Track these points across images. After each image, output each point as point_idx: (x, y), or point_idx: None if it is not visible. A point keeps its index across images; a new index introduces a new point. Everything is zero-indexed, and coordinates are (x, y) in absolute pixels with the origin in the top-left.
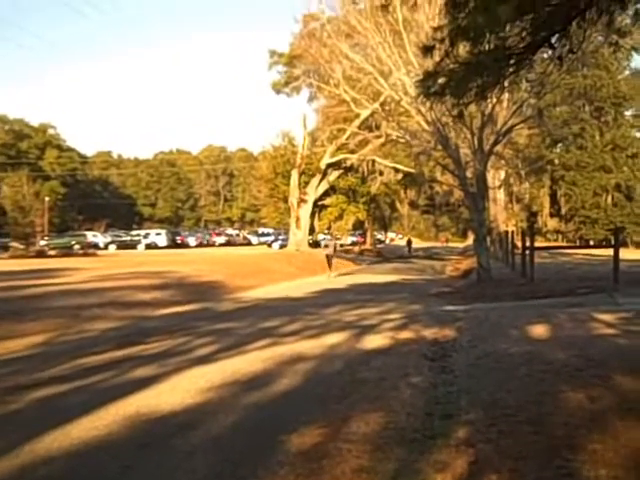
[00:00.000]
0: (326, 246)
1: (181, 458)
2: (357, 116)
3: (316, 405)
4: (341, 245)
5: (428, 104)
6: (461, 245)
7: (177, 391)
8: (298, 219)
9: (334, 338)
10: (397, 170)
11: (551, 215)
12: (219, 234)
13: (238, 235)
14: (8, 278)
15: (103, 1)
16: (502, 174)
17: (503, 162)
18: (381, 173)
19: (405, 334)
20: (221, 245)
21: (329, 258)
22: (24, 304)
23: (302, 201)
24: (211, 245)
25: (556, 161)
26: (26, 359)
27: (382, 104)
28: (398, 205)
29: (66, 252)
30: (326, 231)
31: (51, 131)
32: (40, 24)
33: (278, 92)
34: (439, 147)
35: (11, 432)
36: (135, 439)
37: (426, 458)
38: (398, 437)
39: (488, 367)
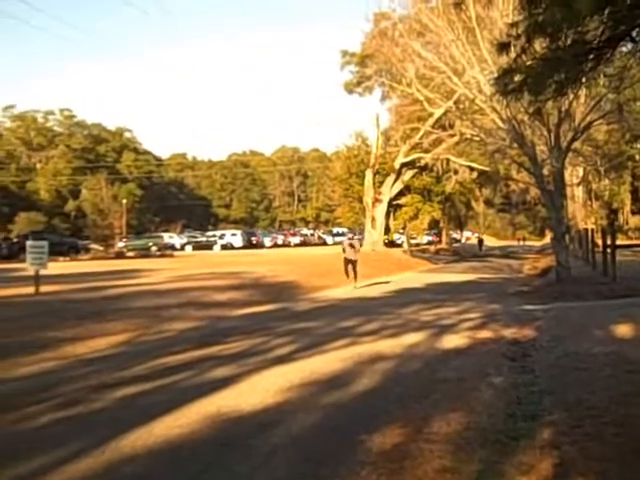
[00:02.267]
0: (351, 246)
1: (262, 457)
2: (430, 115)
3: (396, 404)
4: (417, 244)
5: (504, 102)
6: (538, 243)
7: (257, 391)
8: (373, 219)
9: (412, 338)
10: (472, 169)
11: (632, 212)
12: (294, 234)
13: (313, 235)
14: (89, 279)
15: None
16: (580, 171)
17: (581, 159)
18: (456, 172)
19: (484, 334)
20: (296, 245)
21: (351, 264)
22: (105, 304)
23: (377, 201)
24: (286, 245)
25: (637, 157)
26: (108, 358)
27: (456, 102)
28: (473, 204)
29: (144, 253)
30: (401, 230)
31: (127, 135)
32: (110, 26)
33: (350, 92)
34: (514, 145)
35: (96, 429)
36: (216, 438)
37: (510, 460)
38: (480, 438)
39: (570, 367)
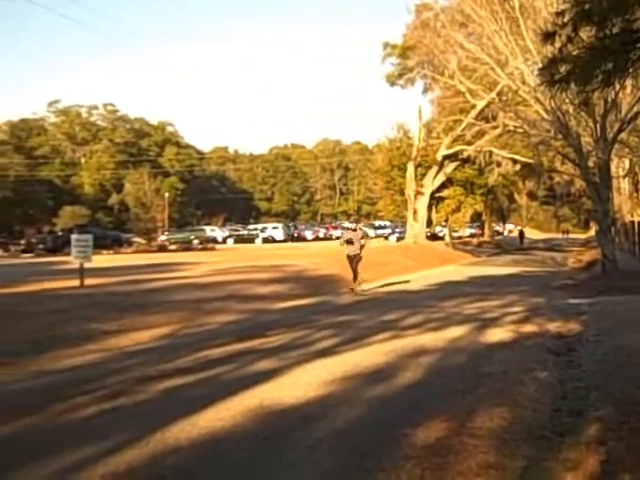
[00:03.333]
0: (349, 242)
1: (306, 450)
2: (473, 107)
3: (439, 398)
4: (459, 237)
5: (548, 92)
6: (582, 236)
7: (299, 384)
8: (415, 211)
9: (455, 331)
10: (515, 161)
11: None
12: (336, 227)
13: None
14: (132, 272)
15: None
16: (627, 163)
17: (628, 150)
18: (498, 164)
19: (528, 327)
20: (338, 238)
21: (353, 261)
22: (147, 297)
23: (419, 193)
24: (328, 238)
25: None
26: (151, 350)
27: (499, 94)
28: (516, 196)
29: (186, 246)
30: (443, 223)
31: (170, 129)
32: (148, 19)
33: (392, 84)
34: (559, 136)
35: (141, 421)
36: (260, 430)
37: (555, 456)
38: (525, 433)
39: (618, 362)
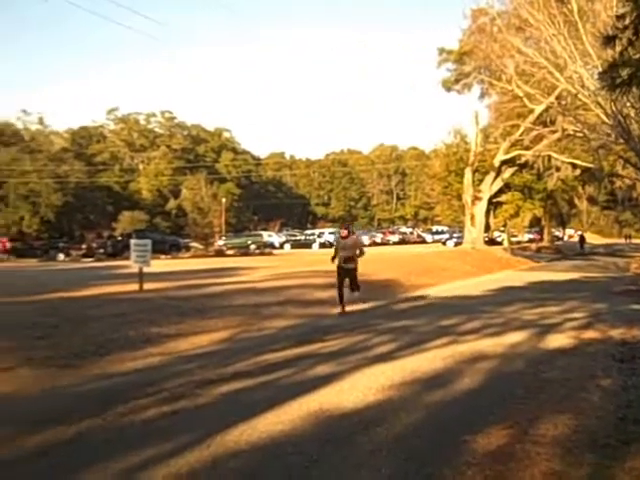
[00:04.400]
0: (344, 249)
1: (365, 455)
2: (531, 111)
3: (500, 405)
4: (517, 242)
5: (609, 96)
6: None
7: (358, 388)
8: (473, 217)
9: (515, 337)
10: (575, 165)
11: None
12: (393, 232)
13: (412, 233)
14: (190, 277)
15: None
16: None
17: None
18: (558, 169)
19: (590, 334)
20: (395, 243)
21: (347, 276)
22: (206, 302)
23: (476, 199)
24: (385, 243)
25: None
26: (210, 355)
27: (557, 98)
28: (576, 201)
29: (243, 251)
30: (501, 228)
31: (226, 135)
32: (203, 25)
33: (448, 90)
34: (620, 140)
35: (201, 424)
36: (319, 434)
37: (620, 465)
38: (589, 441)
39: None
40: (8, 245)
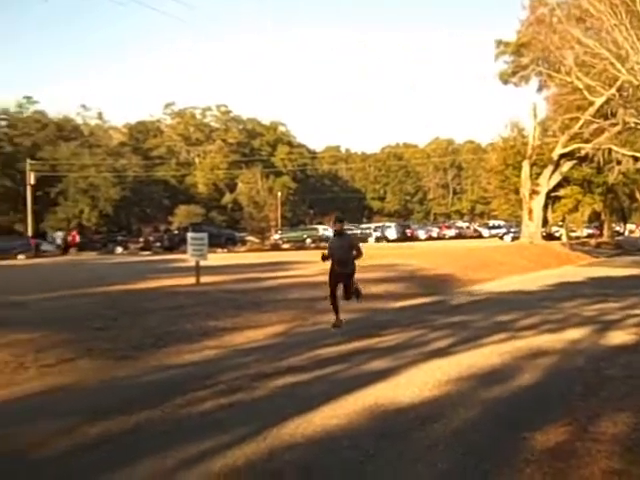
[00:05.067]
0: (330, 255)
1: (422, 450)
2: (591, 104)
3: (559, 402)
4: (576, 237)
5: None
6: None
7: (414, 384)
8: (530, 211)
9: (574, 333)
10: (636, 158)
11: None
12: (449, 227)
13: (468, 228)
14: (246, 270)
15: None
16: None
17: None
18: (619, 162)
19: None
20: (451, 238)
21: (340, 281)
22: (261, 295)
23: (534, 193)
24: (441, 238)
25: None
26: (266, 348)
27: (618, 90)
28: (638, 195)
29: (299, 245)
30: (560, 223)
31: (281, 128)
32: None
33: (505, 82)
34: None
35: (258, 417)
36: (375, 429)
37: None
38: None
39: None
40: (78, 238)
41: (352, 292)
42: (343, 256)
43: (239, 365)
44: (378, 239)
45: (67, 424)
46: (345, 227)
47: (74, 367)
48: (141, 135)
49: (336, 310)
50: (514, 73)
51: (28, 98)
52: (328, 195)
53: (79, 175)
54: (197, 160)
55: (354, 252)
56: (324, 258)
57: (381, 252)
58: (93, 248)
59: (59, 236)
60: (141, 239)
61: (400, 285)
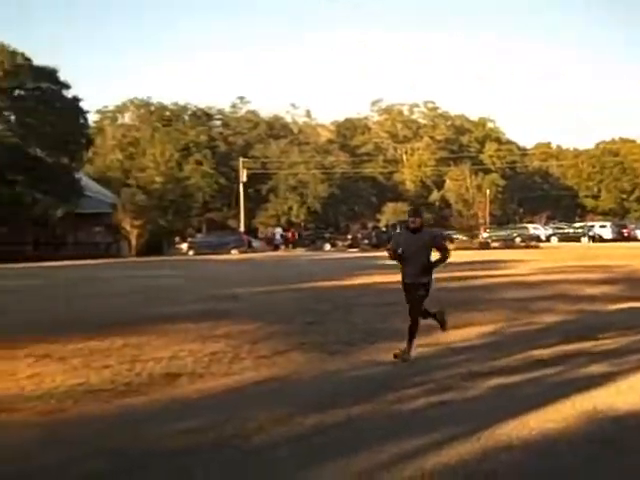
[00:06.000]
0: (401, 257)
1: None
2: None
3: None
4: None
5: None
6: None
7: (636, 390)
8: None
9: None
10: None
11: None
12: None
13: None
14: (455, 269)
15: None
16: None
17: None
18: None
19: None
20: None
21: (413, 296)
22: (473, 294)
23: None
24: None
25: None
26: (477, 347)
27: None
28: None
29: (508, 244)
30: None
31: (490, 125)
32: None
33: None
34: None
35: (469, 416)
36: (594, 435)
37: None
38: None
39: None
40: (296, 236)
41: (426, 313)
42: (418, 261)
43: (450, 364)
44: (592, 239)
45: (282, 414)
46: (534, 226)
47: (287, 359)
48: (348, 132)
49: (412, 334)
50: None
51: (241, 98)
52: (538, 193)
53: (288, 172)
54: (404, 157)
55: (433, 253)
56: (392, 254)
57: (595, 252)
58: (302, 244)
59: (279, 232)
60: (349, 236)
61: (617, 287)
